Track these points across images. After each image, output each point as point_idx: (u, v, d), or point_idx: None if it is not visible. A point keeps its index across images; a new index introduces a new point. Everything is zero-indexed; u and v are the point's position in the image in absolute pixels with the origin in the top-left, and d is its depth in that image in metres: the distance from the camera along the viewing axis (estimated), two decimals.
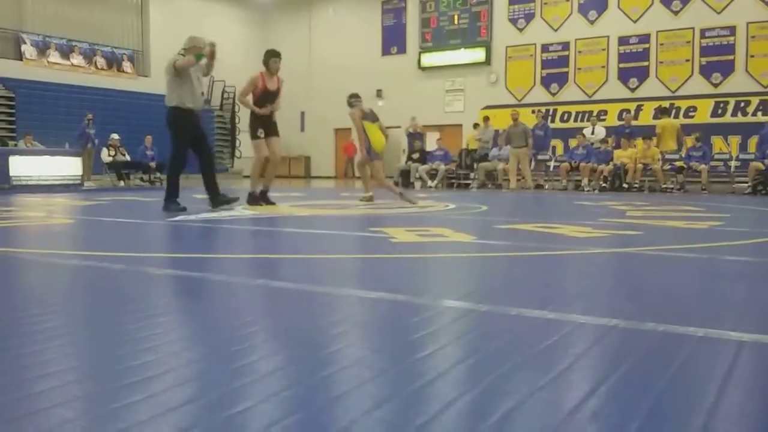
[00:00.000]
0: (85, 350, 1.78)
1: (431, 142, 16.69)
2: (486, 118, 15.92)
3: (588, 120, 16.67)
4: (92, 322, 2.10)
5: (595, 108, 17.73)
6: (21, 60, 18.39)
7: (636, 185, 12.84)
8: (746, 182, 12.00)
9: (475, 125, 16.03)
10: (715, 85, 16.62)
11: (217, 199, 6.71)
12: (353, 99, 8.44)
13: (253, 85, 7.21)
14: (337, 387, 1.42)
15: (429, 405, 1.30)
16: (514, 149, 12.80)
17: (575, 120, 17.90)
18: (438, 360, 1.63)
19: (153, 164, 14.57)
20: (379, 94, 21.86)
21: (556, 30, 18.91)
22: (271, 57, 7.28)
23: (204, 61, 6.58)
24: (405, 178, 15.20)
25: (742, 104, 15.93)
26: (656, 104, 16.70)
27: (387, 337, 1.91)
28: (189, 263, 3.43)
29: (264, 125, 7.29)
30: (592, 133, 14.70)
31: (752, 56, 16.22)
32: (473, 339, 1.87)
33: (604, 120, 17.09)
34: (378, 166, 8.39)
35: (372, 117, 8.40)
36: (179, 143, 6.54)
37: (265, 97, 7.22)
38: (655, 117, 15.93)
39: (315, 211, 7.00)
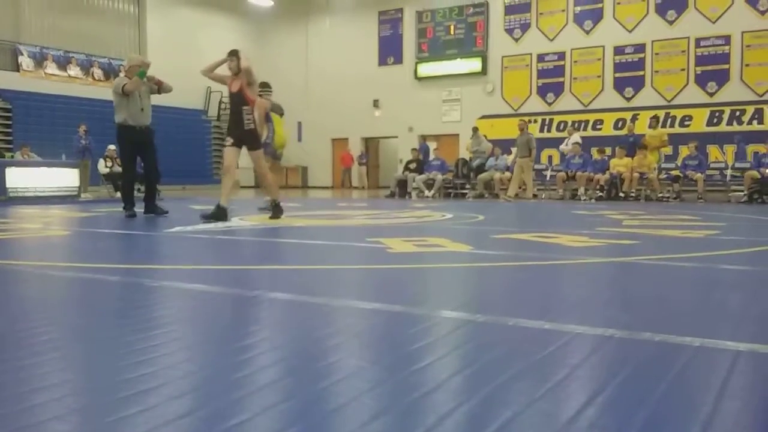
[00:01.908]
0: (82, 363, 1.78)
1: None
2: (475, 129, 15.61)
3: (582, 128, 16.71)
4: (88, 335, 2.09)
5: (591, 117, 17.78)
6: (18, 71, 18.40)
7: (632, 194, 12.85)
8: (742, 191, 12.04)
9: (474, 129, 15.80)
10: (711, 94, 16.71)
11: (149, 206, 7.45)
12: (265, 90, 7.87)
13: (221, 79, 6.77)
14: (335, 399, 1.42)
15: (426, 416, 1.31)
16: (518, 159, 12.87)
17: None
18: (435, 371, 1.63)
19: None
20: (375, 104, 21.93)
21: (551, 40, 19.01)
22: None
23: (145, 79, 7.23)
24: (402, 188, 15.19)
25: (738, 113, 16.00)
26: (652, 113, 16.76)
27: (384, 348, 1.90)
28: (185, 275, 3.42)
29: (235, 136, 6.62)
30: (566, 144, 14.23)
31: (747, 65, 16.32)
32: (470, 349, 1.87)
33: (600, 129, 17.16)
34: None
35: (280, 111, 8.35)
36: (123, 157, 7.51)
37: (230, 98, 6.78)
38: (650, 126, 16.03)
39: (312, 222, 7.01)
